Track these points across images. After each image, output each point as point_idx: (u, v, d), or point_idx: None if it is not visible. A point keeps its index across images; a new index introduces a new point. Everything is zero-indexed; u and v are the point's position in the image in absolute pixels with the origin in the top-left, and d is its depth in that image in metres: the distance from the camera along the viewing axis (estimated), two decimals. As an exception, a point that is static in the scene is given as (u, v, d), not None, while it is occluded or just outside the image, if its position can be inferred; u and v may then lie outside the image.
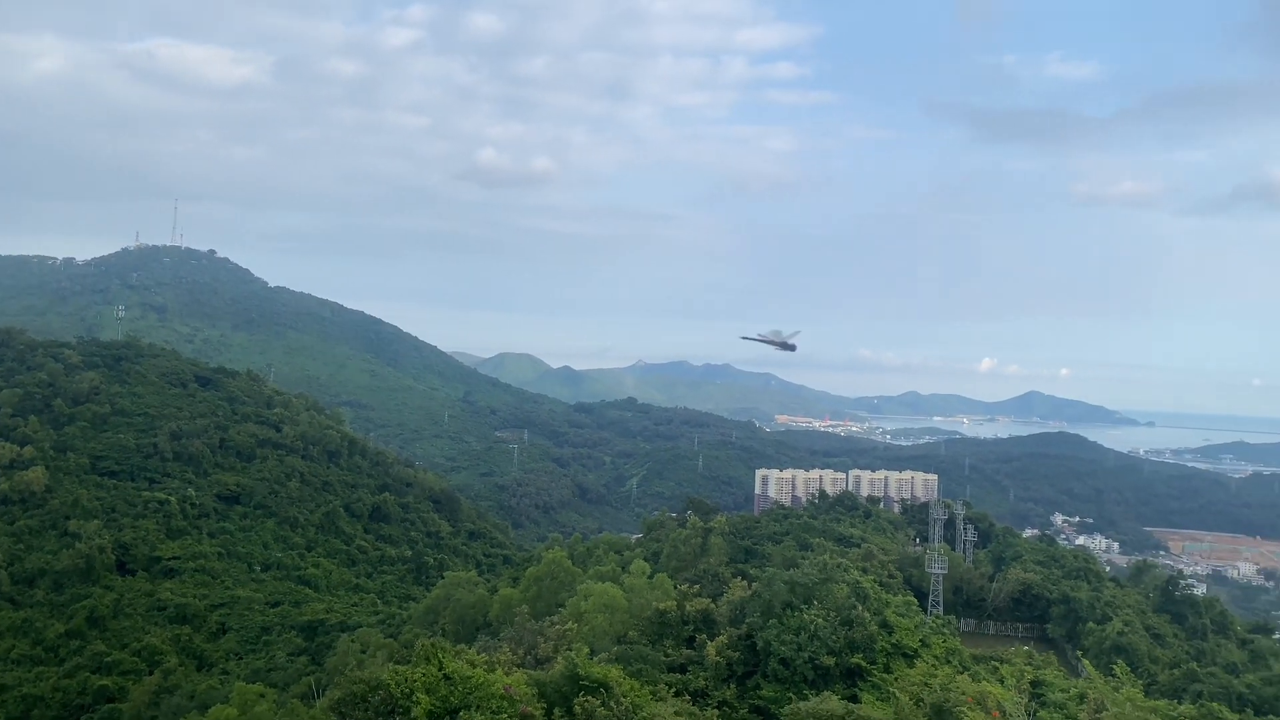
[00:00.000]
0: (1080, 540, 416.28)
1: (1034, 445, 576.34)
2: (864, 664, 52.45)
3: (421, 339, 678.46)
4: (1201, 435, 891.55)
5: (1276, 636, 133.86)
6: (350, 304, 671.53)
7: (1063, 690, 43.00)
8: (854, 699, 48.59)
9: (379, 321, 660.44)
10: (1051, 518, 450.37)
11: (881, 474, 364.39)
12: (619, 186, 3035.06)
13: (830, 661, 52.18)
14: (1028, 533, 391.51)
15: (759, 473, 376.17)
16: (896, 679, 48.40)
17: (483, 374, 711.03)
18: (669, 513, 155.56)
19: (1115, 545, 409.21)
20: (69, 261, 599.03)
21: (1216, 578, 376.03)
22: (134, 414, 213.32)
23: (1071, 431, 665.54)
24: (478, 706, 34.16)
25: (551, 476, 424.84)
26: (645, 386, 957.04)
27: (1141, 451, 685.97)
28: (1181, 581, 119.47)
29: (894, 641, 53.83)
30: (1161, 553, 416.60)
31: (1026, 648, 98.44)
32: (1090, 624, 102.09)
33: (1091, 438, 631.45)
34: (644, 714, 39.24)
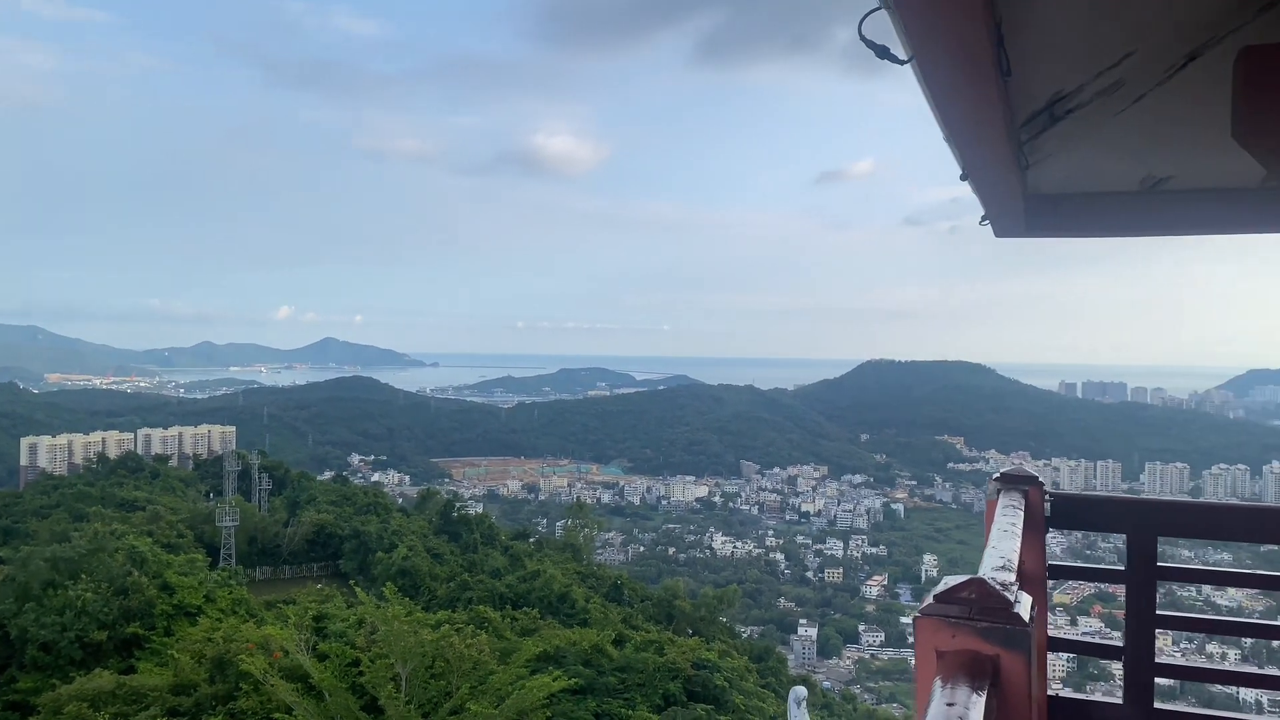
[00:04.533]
0: (375, 477, 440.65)
1: (330, 390, 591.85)
2: (142, 631, 49.71)
3: None
4: (478, 372, 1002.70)
5: (532, 540, 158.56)
6: None
7: (343, 620, 45.85)
8: (132, 670, 45.89)
9: None
10: (349, 458, 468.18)
11: (175, 430, 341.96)
12: None
13: (102, 636, 48.50)
14: (325, 475, 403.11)
15: (25, 441, 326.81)
16: (178, 640, 46.86)
17: None
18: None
19: (407, 478, 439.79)
20: None
21: (492, 496, 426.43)
22: None
23: (365, 375, 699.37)
24: None
25: None
26: None
27: (428, 390, 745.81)
28: (458, 504, 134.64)
29: (176, 603, 51.95)
30: (447, 480, 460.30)
31: (320, 586, 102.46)
32: (380, 554, 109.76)
33: (384, 380, 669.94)
34: None
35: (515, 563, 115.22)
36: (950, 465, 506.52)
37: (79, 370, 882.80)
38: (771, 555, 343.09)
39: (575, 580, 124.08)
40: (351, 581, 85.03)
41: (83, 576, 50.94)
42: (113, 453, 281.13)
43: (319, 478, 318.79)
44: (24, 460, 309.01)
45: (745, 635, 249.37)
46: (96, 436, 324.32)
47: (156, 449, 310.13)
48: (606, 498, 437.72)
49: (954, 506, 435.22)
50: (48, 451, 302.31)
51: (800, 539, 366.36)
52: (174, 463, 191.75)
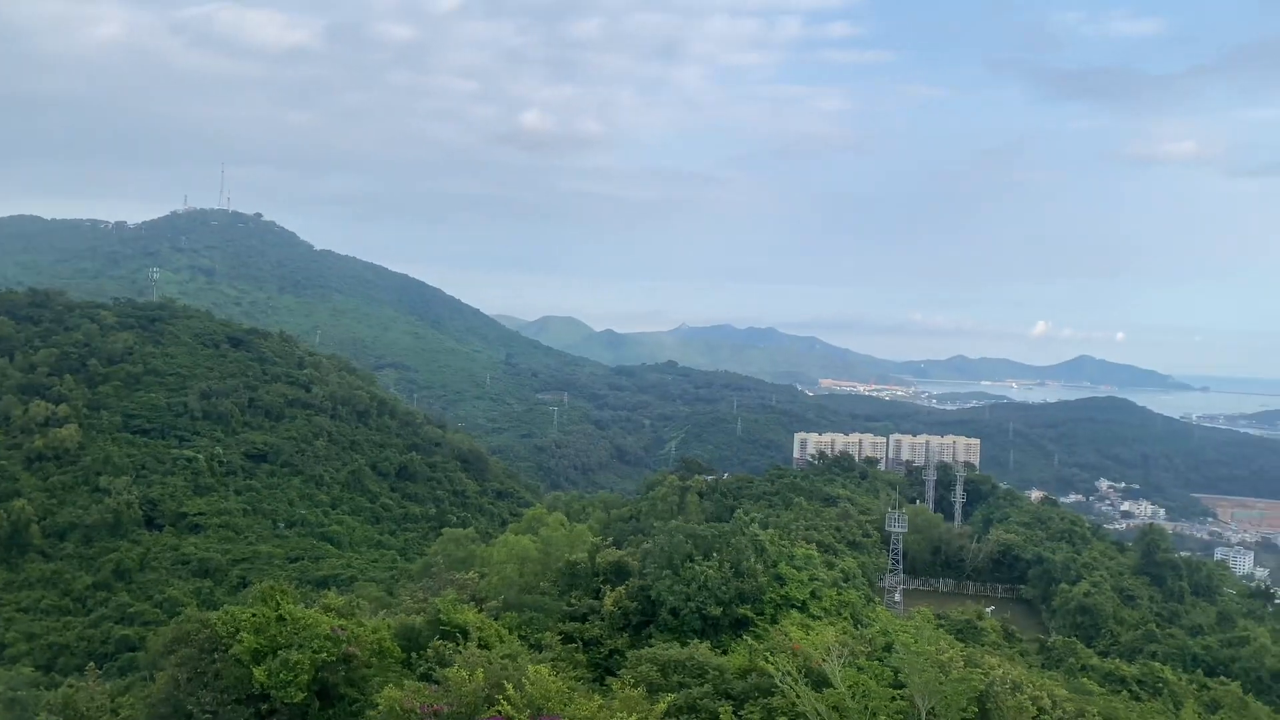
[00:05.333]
0: (1125, 506, 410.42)
1: (1081, 410, 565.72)
2: (751, 615, 53.49)
3: (465, 302, 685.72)
4: (1259, 401, 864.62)
5: (1278, 600, 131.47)
6: (395, 267, 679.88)
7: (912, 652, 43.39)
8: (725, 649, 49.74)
9: (423, 284, 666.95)
10: (1096, 483, 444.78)
11: (922, 438, 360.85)
12: (666, 149, 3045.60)
13: (717, 612, 53.32)
14: (1070, 498, 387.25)
15: (797, 436, 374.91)
16: (774, 630, 49.46)
17: (526, 337, 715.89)
18: (668, 472, 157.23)
19: (1162, 511, 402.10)
20: (120, 225, 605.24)
21: (1266, 545, 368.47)
22: (166, 374, 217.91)
23: (1121, 396, 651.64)
24: (301, 646, 36.14)
25: (590, 438, 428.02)
26: (688, 350, 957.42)
27: (1194, 417, 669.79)
28: (1162, 545, 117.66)
29: (784, 594, 54.76)
30: (1209, 519, 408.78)
31: (990, 608, 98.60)
32: (1063, 584, 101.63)
33: (1142, 403, 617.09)
34: (501, 654, 40.62)
35: (1225, 622, 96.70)
36: None
37: (846, 377, 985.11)
38: None
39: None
40: (983, 606, 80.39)
41: (713, 555, 56.99)
42: (868, 452, 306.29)
43: (1062, 500, 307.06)
44: (795, 452, 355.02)
45: None
46: (855, 437, 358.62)
47: (905, 454, 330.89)
48: None
49: None
50: (814, 446, 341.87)
51: None
52: (882, 466, 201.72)
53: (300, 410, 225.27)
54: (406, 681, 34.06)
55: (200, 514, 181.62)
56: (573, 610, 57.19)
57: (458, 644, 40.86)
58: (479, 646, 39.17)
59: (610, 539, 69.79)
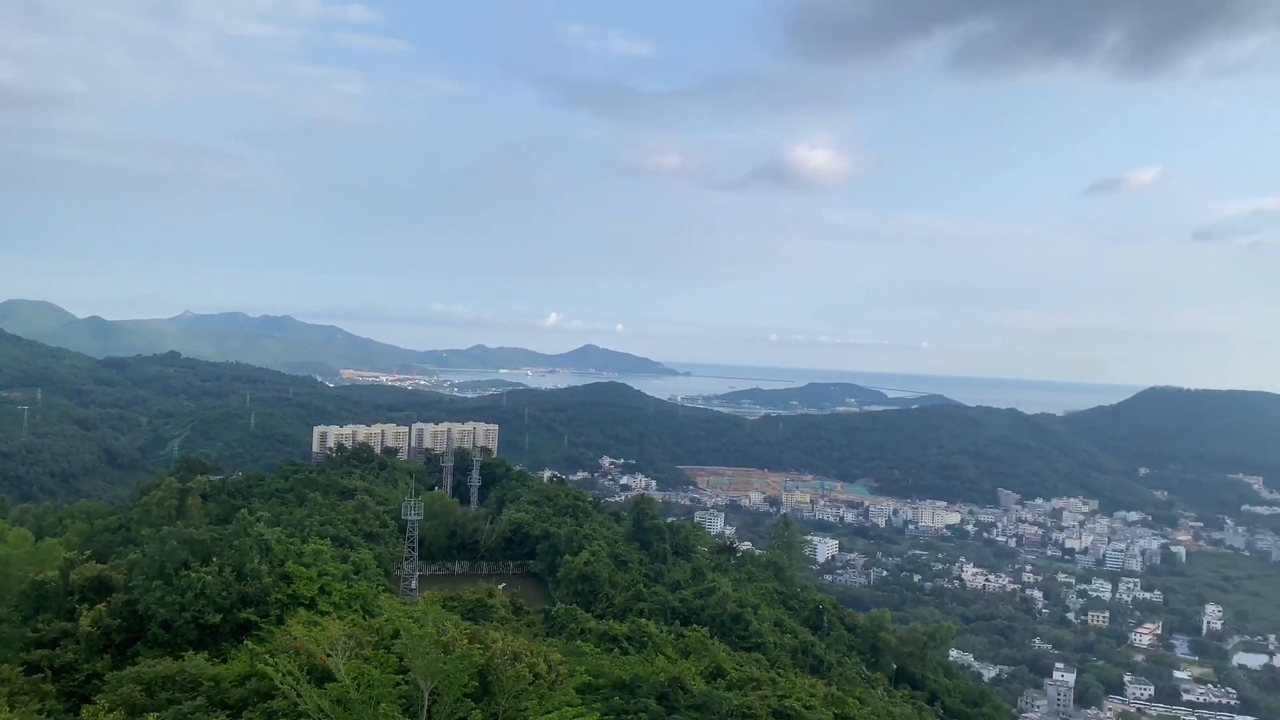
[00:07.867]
0: (624, 480, 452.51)
1: (588, 395, 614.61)
2: (255, 618, 50.95)
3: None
4: (728, 383, 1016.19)
5: (738, 554, 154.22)
6: None
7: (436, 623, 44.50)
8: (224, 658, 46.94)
9: None
10: (600, 460, 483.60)
11: (444, 426, 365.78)
12: (166, 118, 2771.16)
13: (217, 619, 50.10)
14: (578, 475, 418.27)
15: (317, 430, 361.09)
16: (268, 633, 47.58)
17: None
18: (166, 474, 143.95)
19: (654, 482, 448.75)
20: None
21: (734, 507, 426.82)
22: None
23: (621, 381, 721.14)
24: None
25: (72, 441, 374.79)
26: (193, 340, 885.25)
27: (679, 398, 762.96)
28: (654, 512, 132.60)
29: (291, 592, 52.89)
30: (691, 487, 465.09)
31: (502, 585, 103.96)
32: (567, 556, 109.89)
33: (638, 387, 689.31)
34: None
35: (698, 576, 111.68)
36: (1245, 507, 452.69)
37: (368, 367, 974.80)
38: (1028, 592, 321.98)
39: (774, 601, 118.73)
40: (490, 581, 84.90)
41: (213, 560, 53.41)
42: (390, 443, 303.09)
43: (570, 477, 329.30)
44: (315, 446, 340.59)
45: (993, 675, 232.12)
46: (377, 428, 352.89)
47: (428, 441, 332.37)
48: (850, 517, 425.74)
49: (1246, 553, 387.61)
50: (335, 439, 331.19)
51: (1062, 577, 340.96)
52: (404, 455, 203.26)
53: None
54: None
55: None
56: (40, 636, 50.39)
57: None
58: (-96, 694, 32.99)
59: (90, 553, 62.02)
